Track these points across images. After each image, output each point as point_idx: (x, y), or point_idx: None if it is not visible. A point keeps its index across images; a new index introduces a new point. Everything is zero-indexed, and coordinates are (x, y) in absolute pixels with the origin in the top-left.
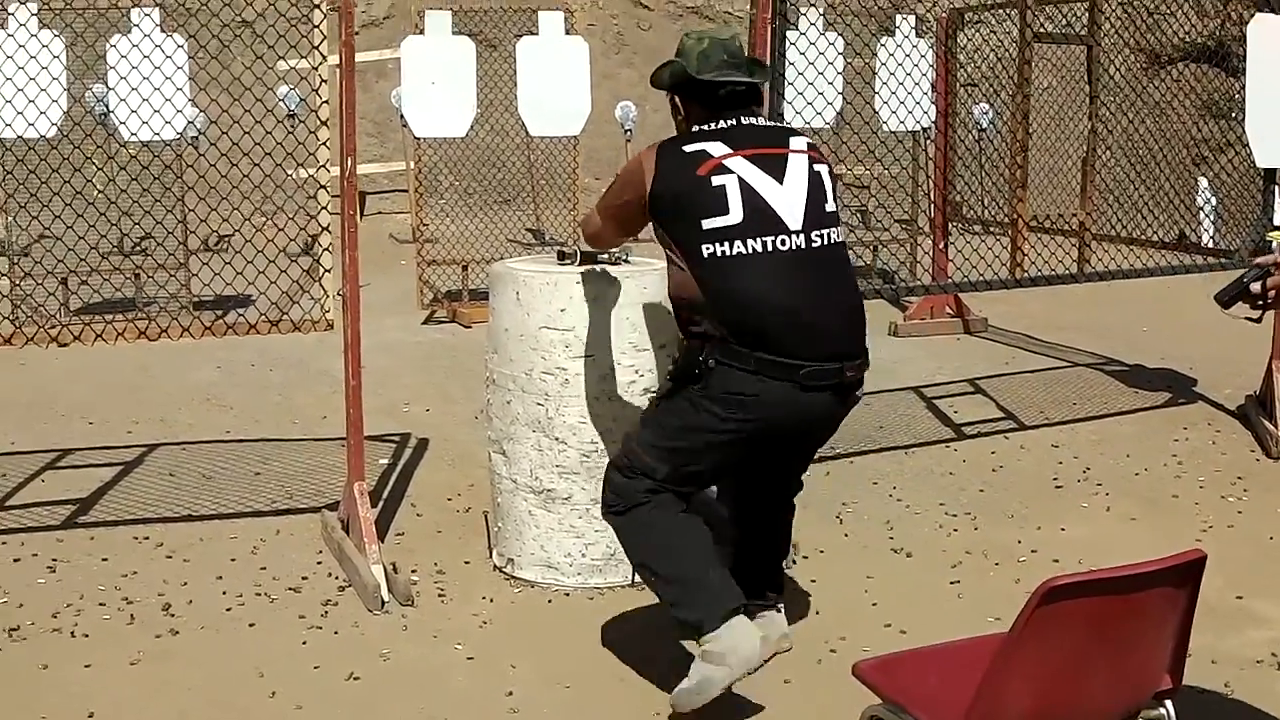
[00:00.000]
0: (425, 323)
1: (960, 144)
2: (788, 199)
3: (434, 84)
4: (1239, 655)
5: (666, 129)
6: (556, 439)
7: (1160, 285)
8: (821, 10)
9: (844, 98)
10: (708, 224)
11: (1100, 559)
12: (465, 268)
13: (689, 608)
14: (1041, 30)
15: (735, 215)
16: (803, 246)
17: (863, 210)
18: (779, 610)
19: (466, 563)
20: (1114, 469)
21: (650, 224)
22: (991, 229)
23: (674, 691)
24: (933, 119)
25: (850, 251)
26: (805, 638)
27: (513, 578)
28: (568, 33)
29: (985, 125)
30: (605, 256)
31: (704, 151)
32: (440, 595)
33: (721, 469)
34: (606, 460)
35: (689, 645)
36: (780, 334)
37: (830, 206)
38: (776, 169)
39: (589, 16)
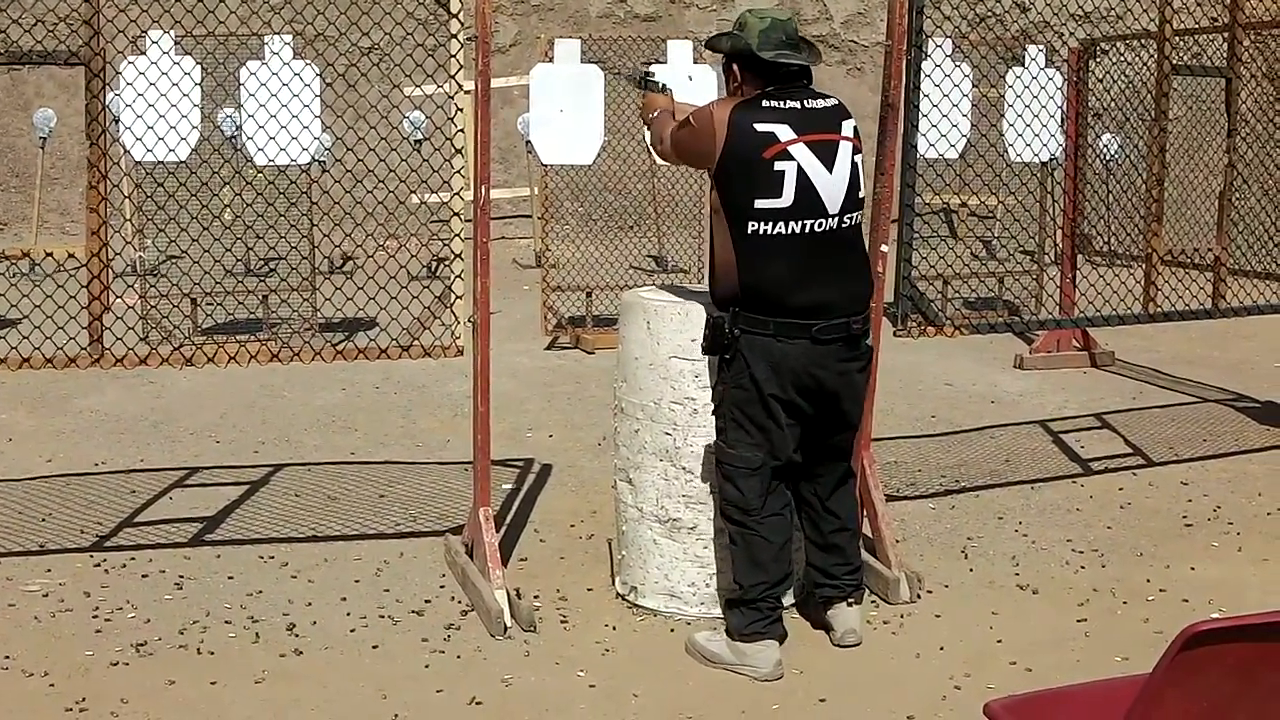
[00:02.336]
0: (549, 348)
1: (1089, 175)
2: (834, 186)
3: (562, 112)
4: None
5: None
6: (684, 468)
7: None
8: (954, 41)
9: (975, 128)
10: (760, 203)
11: (1232, 600)
12: (589, 294)
13: (739, 617)
14: (1178, 62)
15: (787, 199)
16: (833, 228)
17: (988, 241)
18: (851, 604)
19: (589, 590)
20: (1245, 508)
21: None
22: (1121, 261)
23: (696, 634)
24: (1062, 149)
25: (979, 282)
26: (930, 674)
27: (636, 606)
28: (695, 62)
29: (1114, 155)
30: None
31: (773, 135)
32: (563, 622)
33: (793, 429)
34: None
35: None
36: (797, 302)
37: (861, 193)
38: (829, 157)
39: None
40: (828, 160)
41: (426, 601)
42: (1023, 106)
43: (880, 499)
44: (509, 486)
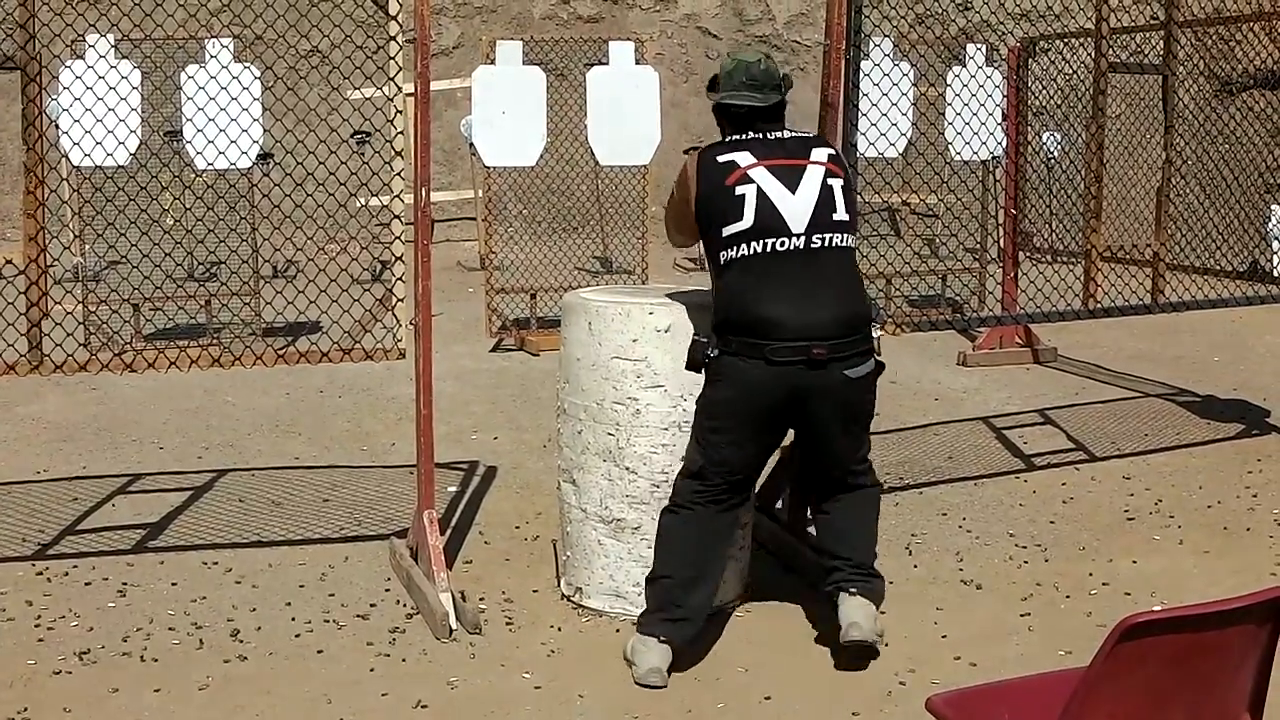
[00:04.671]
0: (493, 350)
1: (1030, 173)
2: (796, 206)
3: (504, 113)
4: None
5: None
6: (627, 469)
7: (1231, 315)
8: (894, 40)
9: (915, 127)
10: (727, 230)
11: (1173, 592)
12: (533, 295)
13: (644, 605)
14: (1116, 60)
15: (748, 221)
16: (800, 247)
17: (930, 239)
18: (852, 593)
19: (535, 591)
20: (1187, 501)
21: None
22: (1062, 258)
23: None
24: (1003, 148)
25: (921, 280)
26: (874, 670)
27: (581, 607)
28: (637, 62)
29: (1055, 153)
30: None
31: (733, 162)
32: (508, 624)
33: (741, 451)
34: None
35: None
36: (757, 319)
37: (839, 215)
38: (792, 179)
39: (658, 46)
40: (790, 182)
41: (371, 605)
42: (962, 105)
43: None
44: (454, 489)
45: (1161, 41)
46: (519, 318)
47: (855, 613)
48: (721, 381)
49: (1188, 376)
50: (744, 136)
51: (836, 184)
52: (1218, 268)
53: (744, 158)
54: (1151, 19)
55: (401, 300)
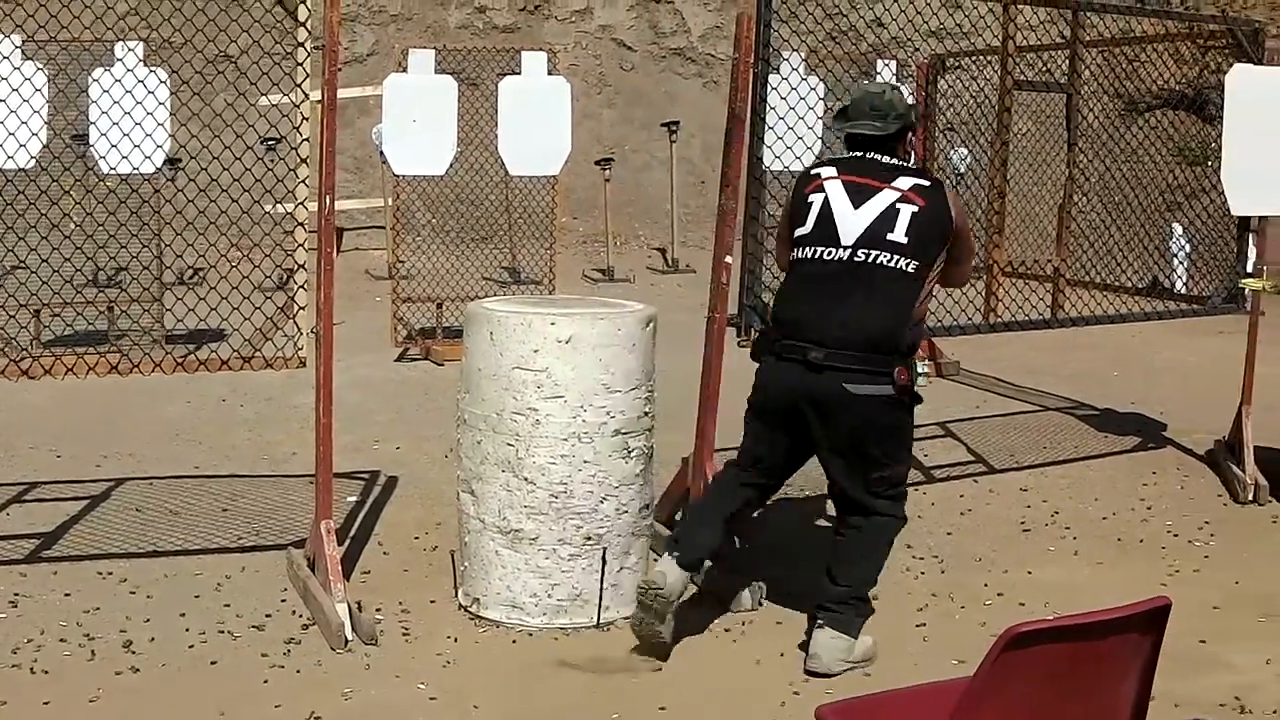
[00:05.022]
0: (398, 360)
1: None
2: (853, 222)
3: (415, 122)
4: (1202, 700)
5: (643, 171)
6: (525, 479)
7: (1131, 330)
8: (803, 55)
9: (823, 141)
10: (797, 232)
11: (1067, 603)
12: (440, 305)
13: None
14: (1022, 78)
15: (809, 226)
16: (845, 259)
17: None
18: (821, 626)
19: (432, 602)
20: (1082, 513)
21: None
22: None
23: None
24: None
25: None
26: (769, 681)
27: (478, 617)
28: (550, 73)
29: (963, 170)
30: None
31: (818, 174)
32: (405, 634)
33: (757, 443)
34: (574, 501)
35: None
36: (779, 316)
37: (895, 236)
38: (861, 197)
39: (571, 57)
40: (858, 199)
41: (267, 616)
42: None
43: None
44: (354, 499)
45: (1064, 60)
46: (425, 327)
47: (816, 644)
48: (758, 372)
49: (1087, 391)
50: (843, 155)
51: (907, 209)
52: (1118, 284)
53: (828, 170)
54: (1059, 38)
55: (304, 308)
